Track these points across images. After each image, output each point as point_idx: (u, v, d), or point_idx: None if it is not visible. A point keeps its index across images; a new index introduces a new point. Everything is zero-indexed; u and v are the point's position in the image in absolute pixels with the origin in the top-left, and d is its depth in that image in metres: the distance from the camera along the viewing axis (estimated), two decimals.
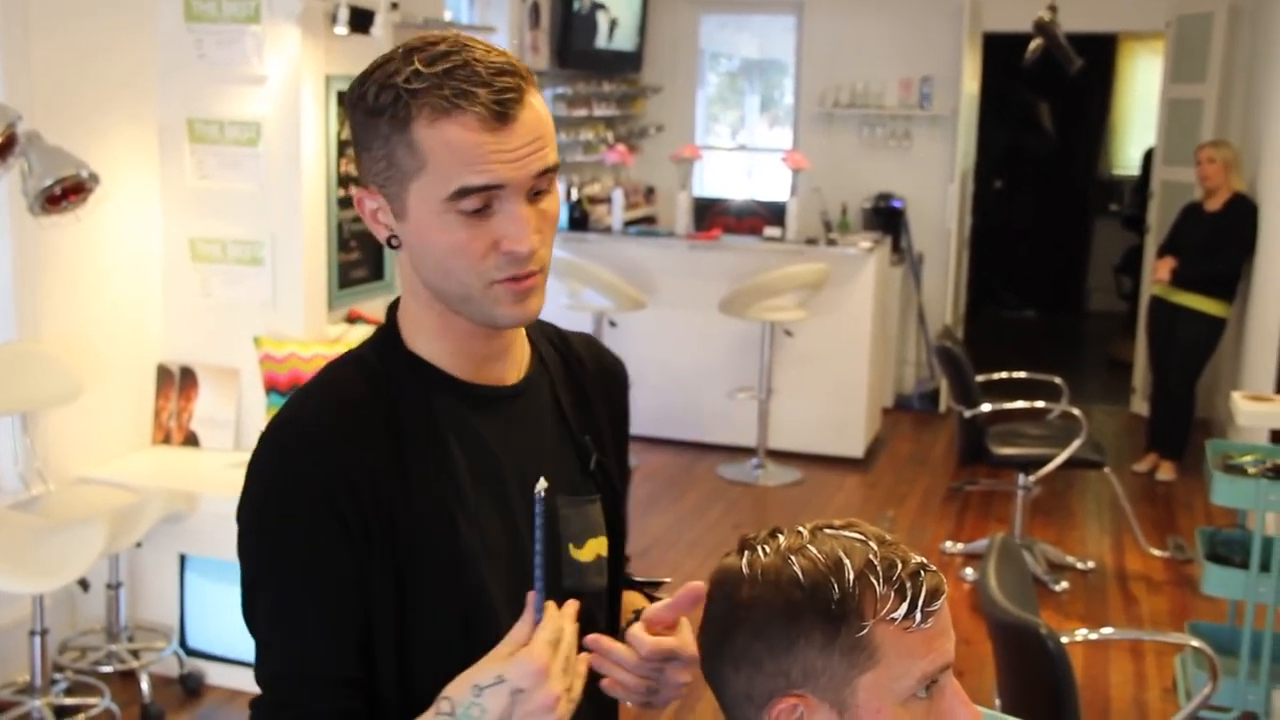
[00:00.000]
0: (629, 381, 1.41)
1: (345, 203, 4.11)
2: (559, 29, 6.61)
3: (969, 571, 4.64)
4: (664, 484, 5.67)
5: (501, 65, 1.10)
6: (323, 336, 3.90)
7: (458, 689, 1.06)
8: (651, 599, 1.39)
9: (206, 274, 3.89)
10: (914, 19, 7.34)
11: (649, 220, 7.40)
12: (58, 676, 3.43)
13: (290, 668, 1.12)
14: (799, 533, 1.05)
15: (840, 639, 0.99)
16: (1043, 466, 4.64)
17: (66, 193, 3.16)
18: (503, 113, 1.08)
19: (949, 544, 4.97)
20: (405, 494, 1.14)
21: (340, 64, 3.95)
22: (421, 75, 1.08)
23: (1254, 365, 5.44)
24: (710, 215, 6.64)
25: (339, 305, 4.10)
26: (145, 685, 3.41)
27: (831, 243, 6.14)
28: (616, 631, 1.33)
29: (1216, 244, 5.61)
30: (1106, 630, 4.07)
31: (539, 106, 1.12)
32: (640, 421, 6.75)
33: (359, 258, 4.24)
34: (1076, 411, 4.83)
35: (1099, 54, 9.55)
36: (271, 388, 3.70)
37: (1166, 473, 5.87)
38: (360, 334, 4.03)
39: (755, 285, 5.70)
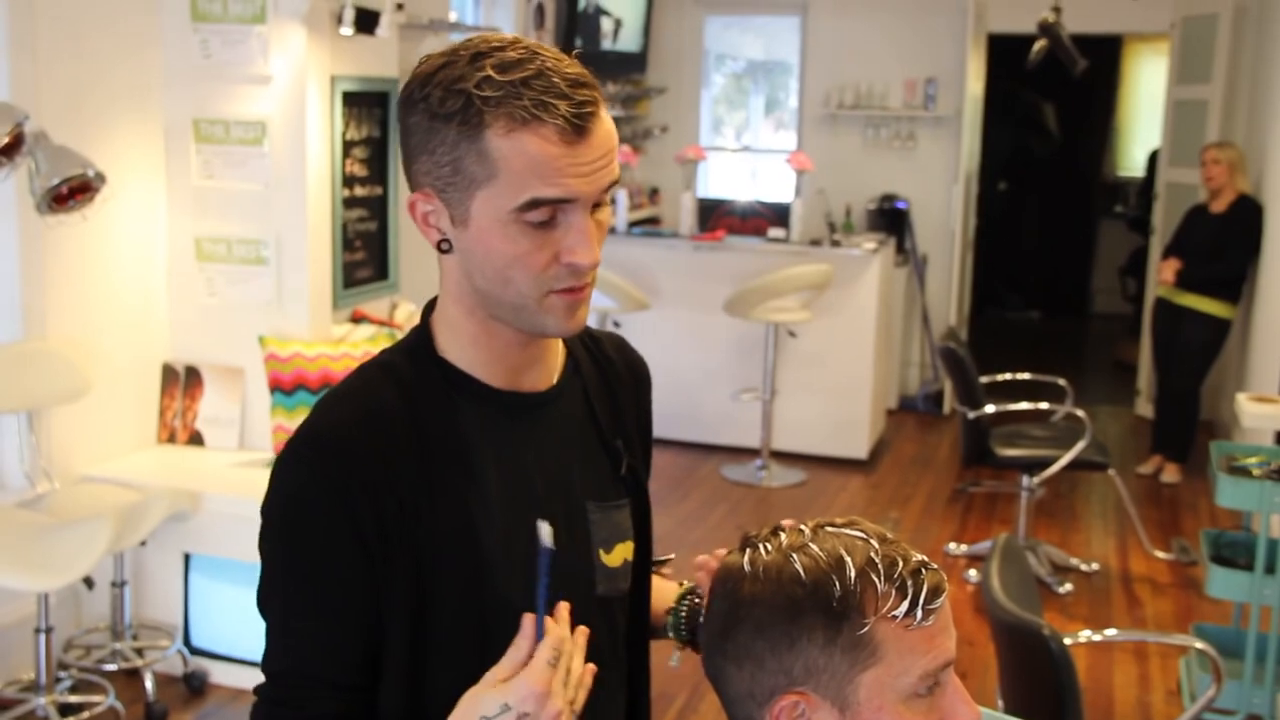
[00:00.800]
0: (652, 383, 1.40)
1: (350, 202, 4.11)
2: (563, 30, 6.62)
3: (973, 573, 4.64)
4: (668, 485, 5.68)
5: (577, 77, 1.08)
6: (327, 336, 3.90)
7: (463, 717, 1.06)
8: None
9: (211, 273, 3.90)
10: (918, 20, 7.34)
11: (653, 221, 7.40)
12: (62, 674, 3.43)
13: (294, 667, 1.14)
14: (801, 530, 1.05)
15: (842, 636, 0.99)
16: (1047, 468, 4.63)
17: (73, 192, 3.17)
18: (581, 126, 1.07)
19: (953, 545, 4.96)
20: (428, 505, 1.13)
21: (345, 64, 3.95)
22: (495, 83, 1.06)
23: (1259, 367, 5.43)
24: (714, 216, 6.64)
25: (343, 305, 4.11)
26: (149, 683, 3.41)
27: (835, 244, 6.14)
28: (644, 635, 1.35)
29: (1221, 245, 5.61)
30: (1110, 632, 4.06)
31: (608, 120, 1.12)
32: None
33: (363, 258, 4.25)
34: (1080, 413, 4.83)
35: (1104, 55, 9.55)
36: (276, 387, 3.70)
37: (1171, 475, 5.86)
38: (364, 334, 4.03)
39: (759, 286, 5.71)
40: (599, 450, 1.27)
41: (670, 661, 1.37)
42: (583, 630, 1.11)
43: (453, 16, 5.16)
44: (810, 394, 6.11)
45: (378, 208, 4.29)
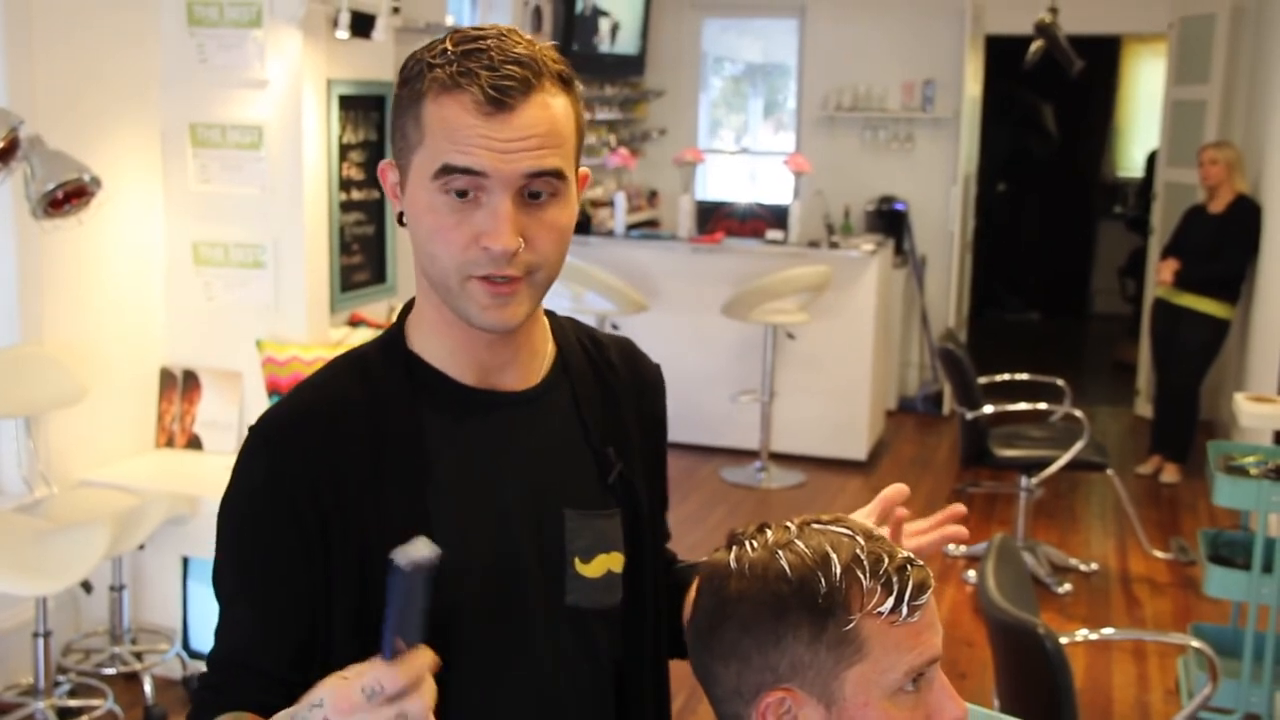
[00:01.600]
0: (665, 389, 1.37)
1: (347, 206, 4.12)
2: (561, 32, 6.62)
3: (971, 574, 4.63)
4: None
5: (519, 56, 1.07)
6: (325, 340, 3.91)
7: (311, 693, 0.98)
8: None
9: (209, 277, 3.90)
10: (916, 22, 7.34)
11: (652, 224, 7.40)
12: (61, 678, 3.43)
13: (230, 655, 1.14)
14: (786, 527, 1.05)
15: (827, 633, 0.99)
16: (1045, 468, 4.63)
17: (68, 196, 3.17)
18: (499, 99, 1.05)
19: (951, 546, 4.95)
20: (376, 503, 1.12)
21: (341, 68, 3.96)
22: (445, 53, 1.08)
23: (1258, 366, 5.43)
24: (713, 219, 6.64)
25: (341, 308, 4.11)
26: (148, 687, 3.41)
27: (834, 245, 6.14)
28: (657, 652, 1.28)
29: (1220, 245, 5.61)
30: (1107, 631, 4.06)
31: (553, 106, 1.09)
32: None
33: (361, 261, 4.26)
34: (1079, 413, 4.83)
35: (1102, 56, 9.55)
36: (274, 391, 3.71)
37: (1170, 475, 5.86)
38: (362, 337, 4.04)
39: (758, 288, 5.71)
40: (586, 455, 1.22)
41: None
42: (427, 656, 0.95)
43: (449, 19, 5.17)
44: (809, 395, 6.11)
45: (375, 211, 4.29)
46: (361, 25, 3.91)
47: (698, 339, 6.20)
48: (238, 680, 1.12)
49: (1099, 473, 4.88)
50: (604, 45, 7.05)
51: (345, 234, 4.13)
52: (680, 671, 1.27)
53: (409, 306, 1.22)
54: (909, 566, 1.01)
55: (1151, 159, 8.32)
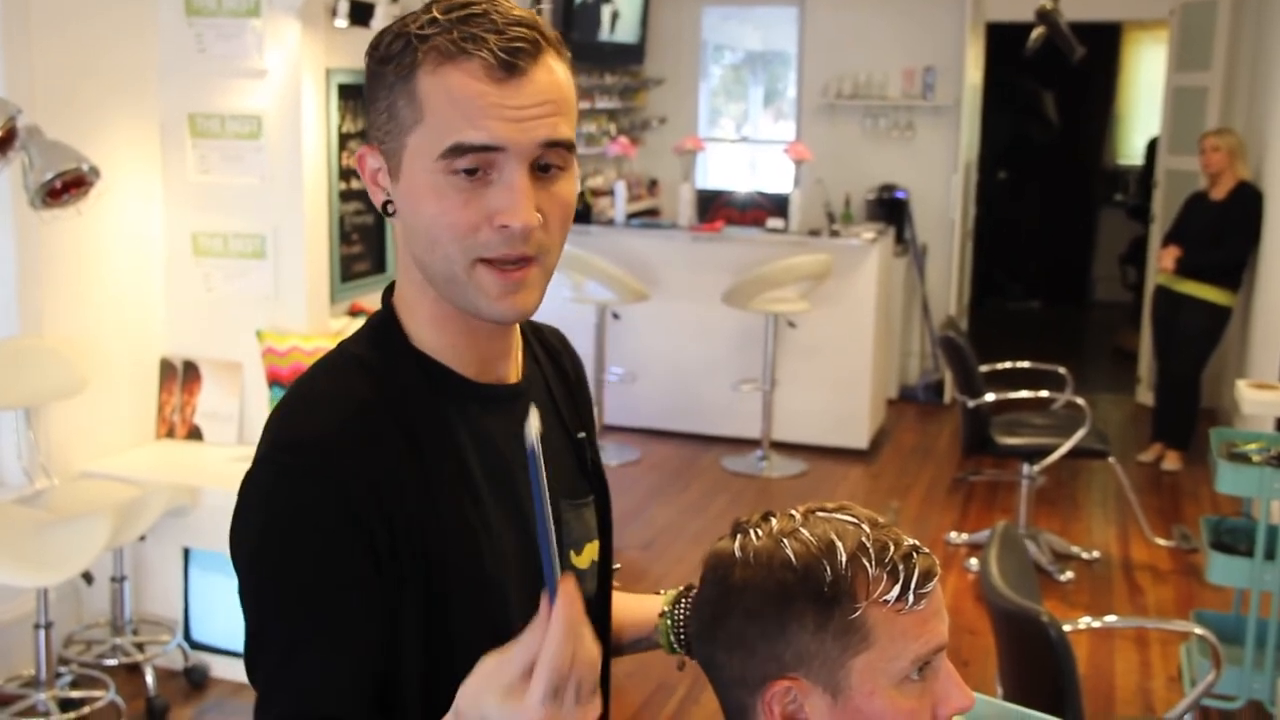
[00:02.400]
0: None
1: (347, 196, 4.11)
2: (560, 21, 6.59)
3: (974, 562, 4.63)
4: (668, 476, 5.67)
5: (521, 18, 1.00)
6: (325, 330, 3.90)
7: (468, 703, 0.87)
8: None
9: (209, 268, 3.89)
10: (916, 9, 7.32)
11: (652, 213, 7.39)
12: (63, 670, 3.43)
13: (304, 708, 0.95)
14: (791, 516, 1.05)
15: (833, 621, 0.98)
16: (1046, 456, 4.63)
17: (67, 186, 3.17)
18: (511, 62, 0.98)
19: (954, 535, 4.96)
20: (431, 509, 1.02)
21: (340, 57, 3.95)
22: (436, 22, 1.00)
23: (1260, 353, 5.42)
24: (714, 207, 6.63)
25: (341, 298, 4.11)
26: (150, 678, 3.41)
27: (834, 234, 6.13)
28: (608, 640, 1.25)
29: (1221, 232, 5.59)
30: (1110, 618, 4.06)
31: (560, 73, 1.02)
32: (644, 414, 6.71)
33: (361, 250, 4.25)
34: (1080, 401, 4.82)
35: (1103, 42, 9.52)
36: (274, 381, 3.70)
37: (1172, 462, 5.85)
38: None
39: (758, 277, 5.70)
40: (566, 444, 1.19)
41: (677, 667, 1.31)
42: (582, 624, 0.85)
43: None
44: (810, 384, 6.10)
45: None
46: (360, 14, 3.89)
47: (698, 328, 6.19)
48: None
49: (1101, 460, 4.88)
50: (604, 34, 7.02)
51: (345, 224, 4.12)
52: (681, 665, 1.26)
53: (390, 302, 1.12)
54: (915, 554, 1.00)
55: (1152, 146, 8.30)
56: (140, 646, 3.58)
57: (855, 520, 1.02)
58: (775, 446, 5.99)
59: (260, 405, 3.85)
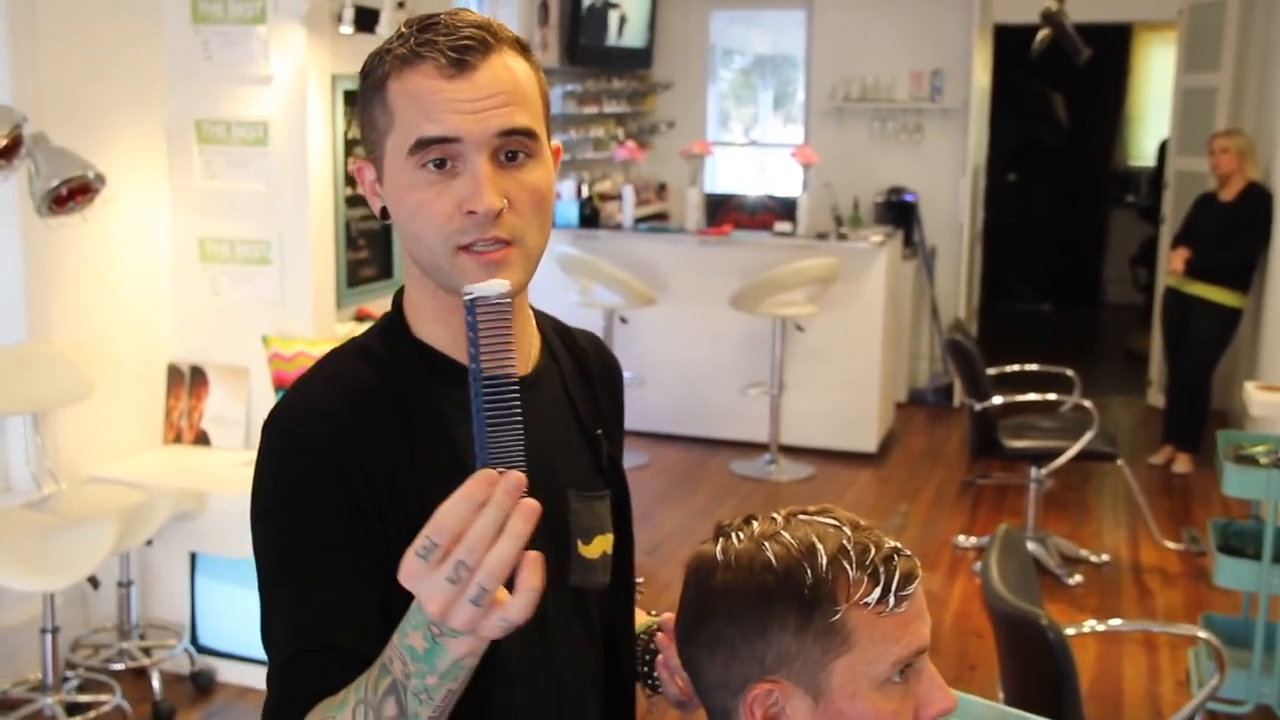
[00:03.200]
0: (623, 384, 1.39)
1: (353, 201, 4.12)
2: (568, 26, 6.62)
3: (980, 566, 4.61)
4: (676, 480, 5.67)
5: (473, 21, 1.09)
6: (331, 335, 3.91)
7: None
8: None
9: (215, 273, 3.91)
10: (924, 12, 7.31)
11: (660, 217, 7.40)
12: (69, 674, 3.45)
13: (314, 643, 1.04)
14: (773, 519, 1.05)
15: (814, 624, 0.99)
16: (1054, 459, 4.61)
17: (73, 193, 3.18)
18: (459, 60, 1.06)
19: (962, 538, 4.94)
20: (418, 489, 1.09)
21: (346, 63, 3.96)
22: (402, 35, 1.10)
23: (1270, 355, 5.39)
24: (721, 211, 6.64)
25: (347, 304, 4.12)
26: (156, 683, 3.42)
27: (843, 237, 6.12)
28: (629, 630, 1.31)
29: (1230, 234, 5.57)
30: (1114, 622, 4.04)
31: (517, 69, 1.10)
32: (652, 417, 6.70)
33: (367, 256, 4.26)
34: (1088, 403, 4.80)
35: (1112, 44, 9.50)
36: (280, 386, 3.71)
37: (1182, 465, 5.83)
38: None
39: (766, 280, 5.69)
40: (580, 439, 1.24)
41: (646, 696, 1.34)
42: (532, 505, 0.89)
43: None
44: (818, 388, 6.10)
45: None
46: (365, 20, 3.91)
47: (706, 332, 6.19)
48: (334, 662, 1.02)
49: (1110, 463, 4.86)
50: (611, 38, 7.04)
51: (351, 229, 4.13)
52: None
53: (400, 298, 1.21)
54: (896, 556, 1.00)
55: (1162, 147, 8.27)
56: (147, 651, 3.60)
57: (837, 523, 1.03)
58: (783, 450, 5.98)
59: (266, 410, 3.85)
